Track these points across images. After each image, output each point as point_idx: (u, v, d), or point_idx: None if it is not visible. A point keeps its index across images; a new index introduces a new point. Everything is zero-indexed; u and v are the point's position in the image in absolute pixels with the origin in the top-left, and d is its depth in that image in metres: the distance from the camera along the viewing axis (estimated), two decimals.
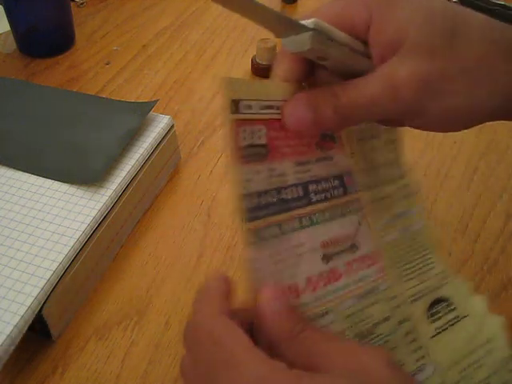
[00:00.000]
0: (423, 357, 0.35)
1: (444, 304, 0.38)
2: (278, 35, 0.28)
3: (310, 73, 0.31)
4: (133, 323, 0.40)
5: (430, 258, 0.39)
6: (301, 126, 0.29)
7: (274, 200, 0.29)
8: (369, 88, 0.28)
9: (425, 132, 0.56)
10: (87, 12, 0.74)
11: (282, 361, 0.24)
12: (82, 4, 0.75)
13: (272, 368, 0.23)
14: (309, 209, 0.30)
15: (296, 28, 0.27)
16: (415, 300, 0.37)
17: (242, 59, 0.66)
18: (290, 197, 0.29)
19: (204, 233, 0.46)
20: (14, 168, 0.45)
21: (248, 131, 0.28)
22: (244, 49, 0.68)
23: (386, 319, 0.35)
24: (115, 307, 0.41)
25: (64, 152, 0.46)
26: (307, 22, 0.27)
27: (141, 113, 0.49)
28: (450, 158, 0.53)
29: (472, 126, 0.31)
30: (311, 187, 0.31)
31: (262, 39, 0.62)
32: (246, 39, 0.69)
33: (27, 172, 0.44)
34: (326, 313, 0.31)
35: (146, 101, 0.54)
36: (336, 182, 0.32)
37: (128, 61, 0.66)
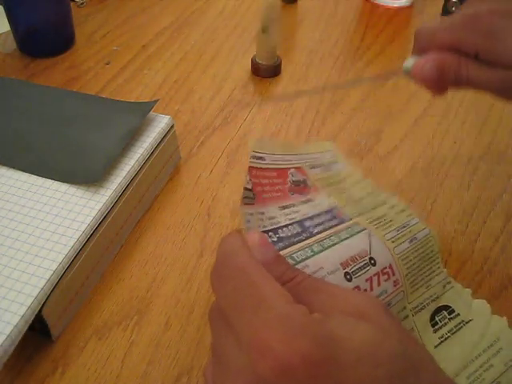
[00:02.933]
0: None
1: (446, 312, 0.38)
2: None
3: None
4: (133, 323, 0.40)
5: (435, 265, 0.39)
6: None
7: (275, 239, 0.29)
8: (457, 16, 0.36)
9: (425, 132, 0.56)
10: (87, 12, 0.74)
11: None
12: (82, 4, 0.75)
13: (296, 309, 0.23)
14: (314, 238, 0.30)
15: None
16: (419, 310, 0.37)
17: (242, 59, 0.66)
18: (289, 234, 0.30)
19: (204, 233, 0.46)
20: (14, 168, 0.45)
21: (247, 176, 0.30)
22: (244, 49, 0.68)
23: None
24: (115, 307, 0.41)
25: (64, 152, 0.46)
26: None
27: (141, 113, 0.49)
28: (450, 158, 0.53)
29: None
30: (307, 223, 0.31)
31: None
32: (246, 39, 0.69)
33: (27, 172, 0.44)
34: None
35: (146, 101, 0.54)
36: (329, 216, 0.33)
37: (128, 61, 0.66)
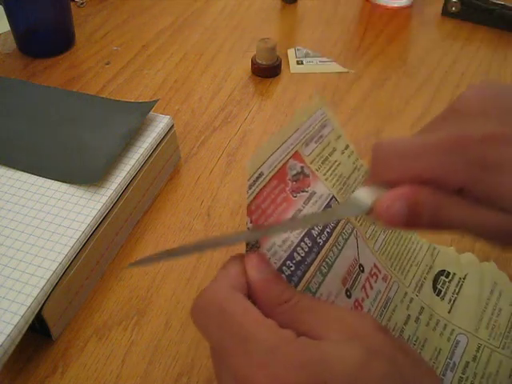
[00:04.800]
0: (452, 331, 0.37)
1: (443, 276, 0.39)
2: None
3: None
4: (133, 323, 0.40)
5: (413, 242, 0.40)
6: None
7: (293, 268, 0.28)
8: None
9: None
10: (87, 12, 0.74)
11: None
12: (82, 4, 0.75)
13: (280, 338, 0.23)
14: (321, 255, 0.30)
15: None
16: (420, 287, 0.38)
17: (242, 59, 0.66)
18: (303, 254, 0.29)
19: (204, 233, 0.46)
20: (14, 168, 0.45)
21: (247, 218, 0.28)
22: (244, 49, 0.68)
23: (408, 319, 0.36)
24: (115, 307, 0.41)
25: (64, 152, 0.46)
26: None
27: (141, 113, 0.49)
28: None
29: None
30: (314, 232, 0.31)
31: (262, 39, 0.62)
32: (246, 39, 0.69)
33: (27, 172, 0.44)
34: None
35: (146, 101, 0.54)
36: None
37: (128, 61, 0.66)
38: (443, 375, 0.34)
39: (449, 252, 0.41)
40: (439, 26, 0.74)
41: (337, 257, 0.31)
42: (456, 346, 0.36)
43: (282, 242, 0.28)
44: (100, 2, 0.76)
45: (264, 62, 0.62)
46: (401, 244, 0.39)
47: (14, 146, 0.46)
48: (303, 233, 0.30)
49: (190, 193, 0.50)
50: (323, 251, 0.30)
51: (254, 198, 0.27)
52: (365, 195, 0.26)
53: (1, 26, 0.68)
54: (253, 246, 0.27)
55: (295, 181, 0.30)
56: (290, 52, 0.67)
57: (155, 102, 0.50)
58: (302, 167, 0.31)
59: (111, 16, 0.74)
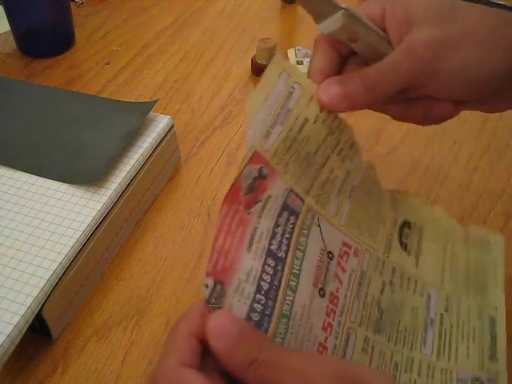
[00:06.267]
0: (423, 286, 0.37)
1: (406, 228, 0.40)
2: (316, 19, 0.33)
3: (341, 68, 0.35)
4: (133, 323, 0.40)
5: (381, 196, 0.39)
6: (333, 102, 0.32)
7: (259, 315, 0.27)
8: (392, 56, 0.32)
9: (425, 132, 0.56)
10: (87, 12, 0.74)
11: None
12: (82, 4, 0.75)
13: None
14: (287, 268, 0.29)
15: (332, 6, 0.31)
16: (389, 246, 0.38)
17: (242, 59, 0.66)
18: (269, 279, 0.28)
19: (204, 233, 0.46)
20: (14, 168, 0.45)
21: (204, 274, 0.27)
22: (244, 49, 0.68)
23: (383, 287, 0.36)
24: (115, 307, 0.41)
25: (64, 152, 0.46)
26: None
27: (141, 113, 0.49)
28: (450, 158, 0.53)
29: (483, 91, 0.33)
30: (273, 247, 0.29)
31: (262, 39, 0.62)
32: (246, 39, 0.69)
33: (27, 172, 0.44)
34: (349, 333, 0.32)
35: (146, 101, 0.54)
36: (285, 214, 0.31)
37: (128, 61, 0.66)
38: (425, 333, 0.35)
39: (412, 200, 0.41)
40: None
41: (302, 261, 0.30)
42: (429, 301, 0.36)
43: (246, 276, 0.27)
44: (100, 2, 0.76)
45: (264, 62, 0.62)
46: (366, 205, 0.38)
47: (14, 146, 0.46)
48: (264, 254, 0.28)
49: (190, 193, 0.50)
50: (288, 262, 0.29)
51: (211, 251, 0.27)
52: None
53: (1, 25, 0.68)
54: (216, 301, 0.26)
55: (249, 193, 0.29)
56: (290, 52, 0.67)
57: (155, 102, 0.50)
58: (260, 169, 0.30)
59: (111, 16, 0.74)
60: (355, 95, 0.32)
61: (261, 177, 0.30)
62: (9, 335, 0.34)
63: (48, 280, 0.37)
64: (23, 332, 0.35)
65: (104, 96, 0.58)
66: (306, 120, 0.32)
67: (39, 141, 0.47)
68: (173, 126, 0.51)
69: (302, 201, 0.32)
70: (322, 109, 0.33)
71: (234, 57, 0.67)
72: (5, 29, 0.68)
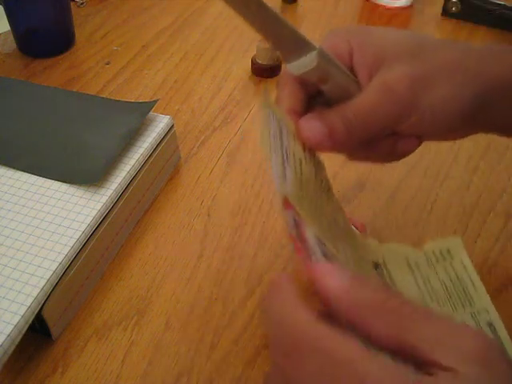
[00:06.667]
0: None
1: (378, 269, 0.39)
2: (286, 58, 0.32)
3: (308, 108, 0.33)
4: (133, 323, 0.40)
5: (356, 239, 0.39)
6: (317, 140, 0.31)
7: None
8: (368, 97, 0.31)
9: None
10: (87, 12, 0.74)
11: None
12: (82, 4, 0.75)
13: (395, 376, 0.21)
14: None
15: (305, 46, 0.31)
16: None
17: (242, 59, 0.66)
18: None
19: (204, 233, 0.46)
20: (14, 168, 0.45)
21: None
22: (244, 49, 0.68)
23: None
24: (115, 307, 0.41)
25: (64, 152, 0.46)
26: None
27: (141, 113, 0.49)
28: (450, 158, 0.53)
29: (455, 124, 0.33)
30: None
31: (262, 39, 0.62)
32: (246, 39, 0.69)
33: (27, 172, 0.44)
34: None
35: (146, 101, 0.54)
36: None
37: (128, 61, 0.66)
38: None
39: (366, 243, 0.40)
40: (439, 26, 0.74)
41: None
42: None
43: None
44: (100, 2, 0.76)
45: (264, 62, 0.62)
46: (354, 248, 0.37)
47: (14, 146, 0.46)
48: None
49: (190, 193, 0.50)
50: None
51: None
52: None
53: (1, 25, 0.68)
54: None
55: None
56: None
57: (155, 102, 0.50)
58: (294, 219, 0.28)
59: (111, 16, 0.73)
60: (339, 135, 0.31)
61: (296, 227, 0.29)
62: (9, 335, 0.34)
63: (48, 280, 0.37)
64: (23, 332, 0.35)
65: (104, 96, 0.58)
66: (300, 160, 0.32)
67: (39, 141, 0.47)
68: (173, 126, 0.51)
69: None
70: (304, 147, 0.32)
71: (233, 57, 0.67)
72: (5, 29, 0.68)
